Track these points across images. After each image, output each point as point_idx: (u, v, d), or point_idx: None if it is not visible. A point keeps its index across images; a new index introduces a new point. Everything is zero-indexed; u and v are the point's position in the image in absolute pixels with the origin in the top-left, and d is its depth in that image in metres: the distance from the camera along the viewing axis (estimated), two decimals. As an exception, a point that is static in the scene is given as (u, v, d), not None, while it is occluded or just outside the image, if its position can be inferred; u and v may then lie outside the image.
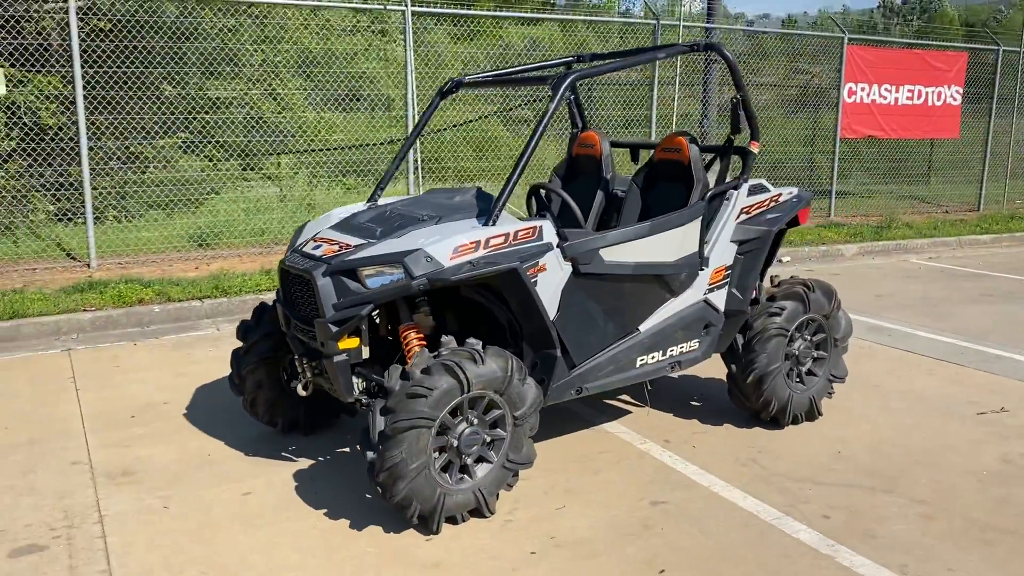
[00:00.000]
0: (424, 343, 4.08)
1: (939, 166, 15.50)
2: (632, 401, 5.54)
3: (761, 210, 4.91)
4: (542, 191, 5.04)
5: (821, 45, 13.21)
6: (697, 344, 4.80)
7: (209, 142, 11.48)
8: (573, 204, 4.58)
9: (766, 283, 5.18)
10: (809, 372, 5.16)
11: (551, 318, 4.17)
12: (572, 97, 5.63)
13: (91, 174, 9.08)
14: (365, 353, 4.12)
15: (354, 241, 4.09)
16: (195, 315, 7.79)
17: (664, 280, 4.55)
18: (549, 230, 4.14)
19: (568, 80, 4.17)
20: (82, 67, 8.83)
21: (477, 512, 3.96)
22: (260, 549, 3.70)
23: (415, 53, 10.98)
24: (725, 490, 4.28)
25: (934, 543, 3.76)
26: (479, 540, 3.78)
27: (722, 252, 4.77)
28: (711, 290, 4.76)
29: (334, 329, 3.90)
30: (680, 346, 4.72)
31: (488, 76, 5.01)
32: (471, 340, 3.92)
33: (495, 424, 3.95)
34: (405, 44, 10.04)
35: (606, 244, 4.28)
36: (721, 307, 4.84)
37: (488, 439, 3.92)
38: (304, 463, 4.60)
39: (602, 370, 4.43)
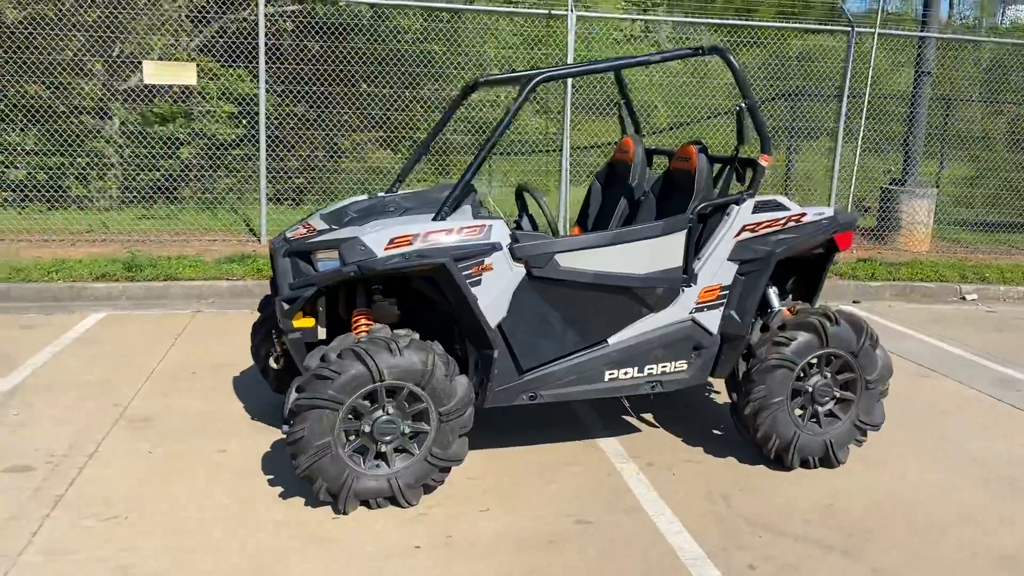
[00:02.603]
0: (367, 330, 4.21)
1: None
2: (650, 421, 5.30)
3: (773, 229, 4.50)
4: (525, 192, 4.95)
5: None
6: (685, 366, 4.51)
7: (404, 139, 12.30)
8: (544, 208, 4.49)
9: (785, 311, 4.73)
10: (831, 414, 4.65)
11: (499, 319, 4.14)
12: (622, 101, 5.48)
13: (268, 159, 10.07)
14: (321, 334, 4.33)
15: (322, 227, 4.31)
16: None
17: (635, 293, 4.33)
18: (499, 230, 4.11)
19: (533, 81, 4.10)
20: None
21: (395, 501, 4.03)
22: (193, 499, 4.04)
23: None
24: (666, 522, 4.01)
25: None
26: (379, 527, 3.87)
27: (715, 270, 4.44)
28: (700, 309, 4.45)
29: (286, 307, 4.14)
30: (662, 365, 4.46)
31: (504, 76, 5.01)
32: (400, 331, 4.01)
33: (419, 417, 3.99)
34: (567, 47, 10.11)
35: (562, 249, 4.16)
36: (714, 329, 4.51)
37: (408, 431, 3.98)
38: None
39: (560, 379, 4.31)
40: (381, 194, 4.88)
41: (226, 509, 3.97)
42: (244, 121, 10.96)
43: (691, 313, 4.45)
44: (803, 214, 4.59)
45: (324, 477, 3.88)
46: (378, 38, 11.12)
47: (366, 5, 11.14)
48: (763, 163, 4.42)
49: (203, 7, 11.00)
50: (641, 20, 11.06)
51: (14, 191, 10.41)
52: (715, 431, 5.17)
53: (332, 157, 11.98)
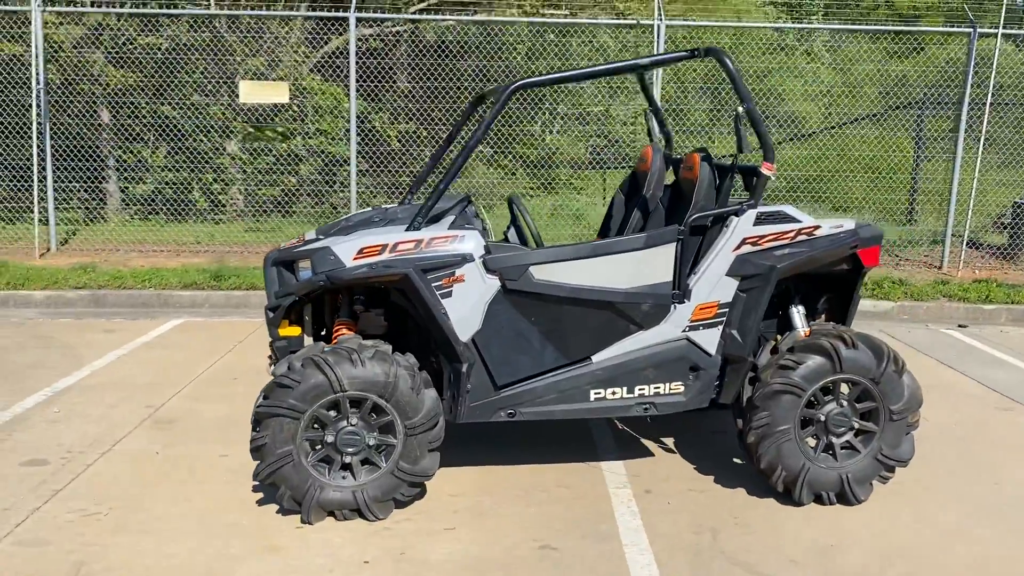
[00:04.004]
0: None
1: None
2: (668, 446, 5.01)
3: (780, 243, 4.16)
4: (514, 204, 4.78)
5: None
6: (682, 388, 4.23)
7: (508, 154, 12.38)
8: (528, 220, 4.35)
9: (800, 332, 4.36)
10: (849, 446, 4.24)
11: (473, 332, 4.03)
12: (651, 109, 5.25)
13: (358, 174, 10.36)
14: (308, 342, 4.36)
15: (311, 237, 4.35)
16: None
17: (619, 309, 4.10)
18: (471, 241, 4.01)
19: (508, 89, 3.98)
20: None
21: (362, 514, 3.99)
22: (174, 501, 4.16)
23: (834, 68, 10.79)
24: (637, 553, 3.76)
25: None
26: (337, 540, 3.83)
27: (712, 286, 4.14)
28: (695, 328, 4.16)
29: (270, 315, 4.20)
30: (654, 386, 4.20)
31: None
32: (366, 342, 3.98)
33: (386, 430, 3.94)
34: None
35: (536, 261, 4.00)
36: (712, 349, 4.20)
37: (374, 443, 3.93)
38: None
39: (540, 396, 4.14)
40: (386, 206, 4.88)
41: (200, 512, 4.05)
42: (358, 139, 11.33)
43: (685, 331, 4.17)
44: (816, 227, 4.22)
45: (287, 485, 3.89)
46: (487, 55, 11.24)
47: (473, 23, 11.31)
48: (765, 172, 4.10)
49: (315, 29, 11.49)
50: (732, 27, 10.62)
51: (142, 204, 11.22)
52: (736, 459, 4.82)
53: (436, 174, 12.19)
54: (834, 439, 4.21)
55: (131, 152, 11.18)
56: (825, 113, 11.87)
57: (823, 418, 4.18)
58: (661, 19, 9.77)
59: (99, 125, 10.85)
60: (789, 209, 4.21)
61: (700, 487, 4.46)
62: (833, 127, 11.82)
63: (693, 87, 11.57)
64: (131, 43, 10.63)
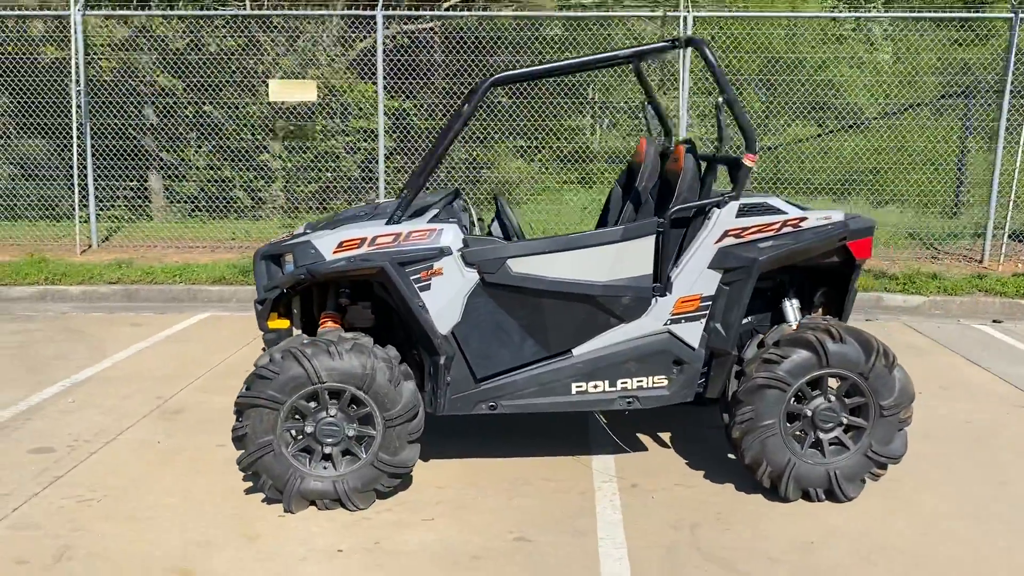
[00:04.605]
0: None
1: None
2: (664, 441, 4.97)
3: (764, 235, 4.09)
4: (498, 200, 4.77)
5: None
6: (665, 382, 4.19)
7: (542, 148, 12.38)
8: (510, 216, 4.34)
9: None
10: (837, 442, 4.16)
11: (452, 325, 4.06)
12: (648, 102, 5.20)
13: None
14: (296, 335, 4.43)
15: (299, 232, 4.42)
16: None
17: (598, 302, 4.08)
18: (450, 234, 4.03)
19: (486, 84, 3.99)
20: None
21: (343, 504, 4.04)
22: (165, 489, 4.27)
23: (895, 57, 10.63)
24: (611, 547, 3.75)
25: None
26: (315, 528, 3.90)
27: (694, 279, 4.09)
28: (676, 321, 4.12)
29: (258, 308, 4.28)
30: (637, 380, 4.17)
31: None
32: (346, 334, 4.03)
33: (365, 421, 3.99)
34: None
35: (513, 254, 4.01)
36: (695, 343, 4.15)
37: (354, 435, 3.98)
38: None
39: (521, 389, 4.15)
40: (379, 201, 4.93)
41: (188, 499, 4.16)
42: (395, 135, 11.47)
43: (666, 325, 4.13)
44: (802, 218, 4.13)
45: (269, 474, 3.96)
46: (521, 49, 11.25)
47: (509, 17, 11.34)
48: (747, 163, 4.03)
49: (349, 28, 11.63)
50: (755, 17, 10.43)
51: (184, 202, 11.52)
52: (730, 455, 4.75)
53: (471, 168, 12.27)
54: (822, 435, 4.13)
55: (174, 151, 11.49)
56: (883, 103, 11.54)
57: (810, 413, 4.10)
58: (688, 10, 9.66)
59: (143, 125, 11.15)
60: (774, 200, 4.14)
61: (688, 483, 4.42)
62: (877, 117, 11.53)
63: (748, 79, 11.38)
64: (171, 44, 10.91)
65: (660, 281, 4.09)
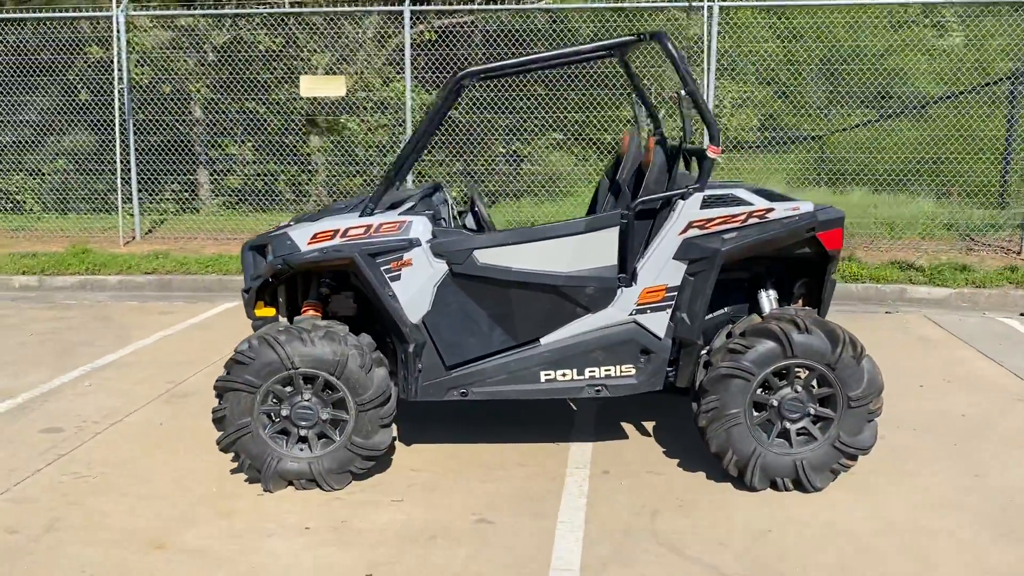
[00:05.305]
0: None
1: None
2: (646, 430, 5.04)
3: (728, 226, 4.12)
4: (472, 192, 4.87)
5: None
6: (633, 371, 4.26)
7: (581, 140, 12.42)
8: (480, 209, 4.45)
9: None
10: (805, 432, 4.18)
11: (422, 314, 4.19)
12: (636, 94, 5.25)
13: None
14: (283, 323, 4.61)
15: (284, 224, 4.60)
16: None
17: (563, 292, 4.16)
18: (419, 226, 4.16)
19: (456, 79, 4.10)
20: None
21: (319, 484, 4.22)
22: (157, 468, 4.52)
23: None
24: (568, 531, 3.84)
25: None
26: (287, 506, 4.08)
27: (660, 270, 4.15)
28: (642, 311, 4.18)
29: (245, 296, 4.49)
30: (605, 369, 4.25)
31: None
32: (320, 322, 4.20)
33: (339, 405, 4.16)
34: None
35: (479, 246, 4.12)
36: (661, 332, 4.21)
37: (328, 418, 4.15)
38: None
39: (491, 377, 4.26)
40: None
41: (178, 477, 4.39)
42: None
43: (632, 315, 4.20)
44: (769, 209, 4.15)
45: (247, 455, 4.16)
46: (552, 42, 11.31)
47: (540, 10, 11.43)
48: (711, 155, 4.06)
49: (385, 24, 11.85)
50: (783, 6, 10.28)
51: (229, 195, 11.91)
52: (710, 444, 4.80)
53: (512, 161, 12.40)
54: (789, 424, 4.15)
55: (219, 147, 11.87)
56: (950, 89, 11.20)
57: (776, 403, 4.12)
58: (713, 0, 9.59)
59: (187, 121, 11.56)
60: (741, 192, 4.16)
61: (660, 470, 4.48)
62: (936, 101, 11.20)
63: (809, 68, 11.23)
64: (213, 41, 11.28)
65: (625, 272, 4.16)
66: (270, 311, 4.58)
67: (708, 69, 9.74)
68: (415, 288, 4.17)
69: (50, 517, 3.97)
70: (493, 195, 12.24)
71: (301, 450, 4.21)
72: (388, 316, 4.16)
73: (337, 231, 4.17)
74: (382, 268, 4.14)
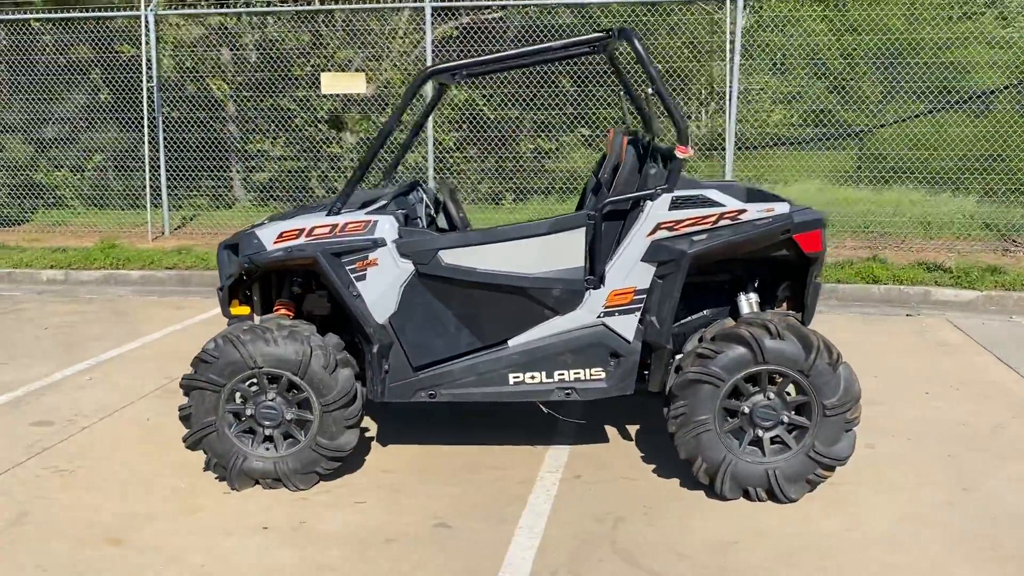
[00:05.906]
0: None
1: None
2: (629, 435, 4.93)
3: (698, 228, 3.99)
4: (446, 190, 4.79)
5: None
6: (603, 374, 4.17)
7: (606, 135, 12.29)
8: (452, 209, 4.39)
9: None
10: (779, 441, 4.04)
11: (388, 314, 4.16)
12: (623, 92, 5.14)
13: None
14: (257, 320, 4.63)
15: (258, 223, 4.61)
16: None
17: (529, 293, 4.09)
18: (385, 225, 4.13)
19: (422, 76, 4.05)
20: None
21: (284, 484, 4.22)
22: (134, 463, 4.57)
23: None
24: (526, 537, 3.77)
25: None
26: (251, 506, 4.09)
27: (628, 272, 4.04)
28: (611, 313, 4.08)
29: (220, 295, 4.51)
30: (574, 372, 4.16)
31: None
32: (285, 321, 4.19)
33: (303, 406, 4.14)
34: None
35: (444, 246, 4.06)
36: (630, 335, 4.11)
37: (293, 418, 4.14)
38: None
39: (459, 378, 4.21)
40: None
41: (151, 473, 4.43)
42: (464, 126, 11.67)
43: (600, 317, 4.10)
44: (741, 210, 4.02)
45: (213, 453, 4.18)
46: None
47: (564, 6, 11.33)
48: (679, 155, 3.94)
49: (416, 19, 11.87)
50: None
51: (260, 191, 12.06)
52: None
53: (536, 158, 12.33)
54: (761, 432, 4.01)
55: (250, 143, 12.03)
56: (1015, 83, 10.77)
57: (748, 410, 3.99)
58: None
59: (220, 118, 11.72)
60: (712, 193, 4.03)
61: (634, 476, 4.38)
62: (967, 100, 10.81)
63: (865, 62, 10.92)
64: (241, 39, 11.42)
65: (593, 274, 4.07)
66: (245, 309, 4.60)
67: (732, 62, 9.52)
68: (381, 288, 4.13)
69: (18, 511, 4.03)
70: (521, 192, 12.20)
71: (267, 449, 4.21)
72: (353, 316, 4.13)
73: (303, 230, 4.16)
74: (347, 268, 4.11)
